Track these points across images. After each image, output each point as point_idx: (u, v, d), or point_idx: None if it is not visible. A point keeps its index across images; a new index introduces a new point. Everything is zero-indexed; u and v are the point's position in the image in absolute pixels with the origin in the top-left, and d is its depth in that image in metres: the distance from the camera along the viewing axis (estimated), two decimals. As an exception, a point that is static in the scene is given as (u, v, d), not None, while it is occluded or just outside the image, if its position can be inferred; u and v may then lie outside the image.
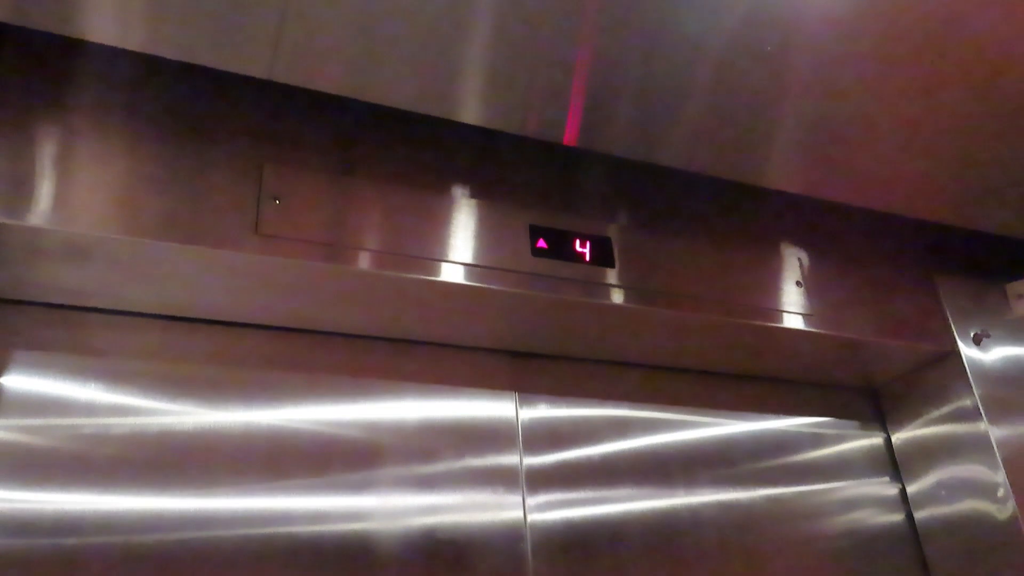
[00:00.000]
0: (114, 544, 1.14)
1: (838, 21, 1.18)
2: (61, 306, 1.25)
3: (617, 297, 1.41)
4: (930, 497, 1.71)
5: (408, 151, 1.36)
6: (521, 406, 1.50)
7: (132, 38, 1.15)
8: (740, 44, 1.21)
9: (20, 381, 1.19)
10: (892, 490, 1.77)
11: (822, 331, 1.57)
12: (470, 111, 1.32)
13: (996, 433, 1.60)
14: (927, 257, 1.79)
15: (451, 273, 1.29)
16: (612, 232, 1.46)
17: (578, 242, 1.41)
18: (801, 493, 1.68)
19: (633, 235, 1.48)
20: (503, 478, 1.42)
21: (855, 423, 1.83)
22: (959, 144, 1.49)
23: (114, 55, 1.18)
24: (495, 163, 1.43)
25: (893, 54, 1.26)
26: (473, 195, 1.38)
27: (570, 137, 1.35)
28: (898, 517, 1.74)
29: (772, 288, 1.56)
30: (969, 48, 1.26)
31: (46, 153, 1.11)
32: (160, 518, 1.18)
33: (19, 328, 1.22)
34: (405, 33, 1.15)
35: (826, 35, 1.21)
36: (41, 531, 1.11)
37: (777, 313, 1.54)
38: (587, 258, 1.40)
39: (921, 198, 1.64)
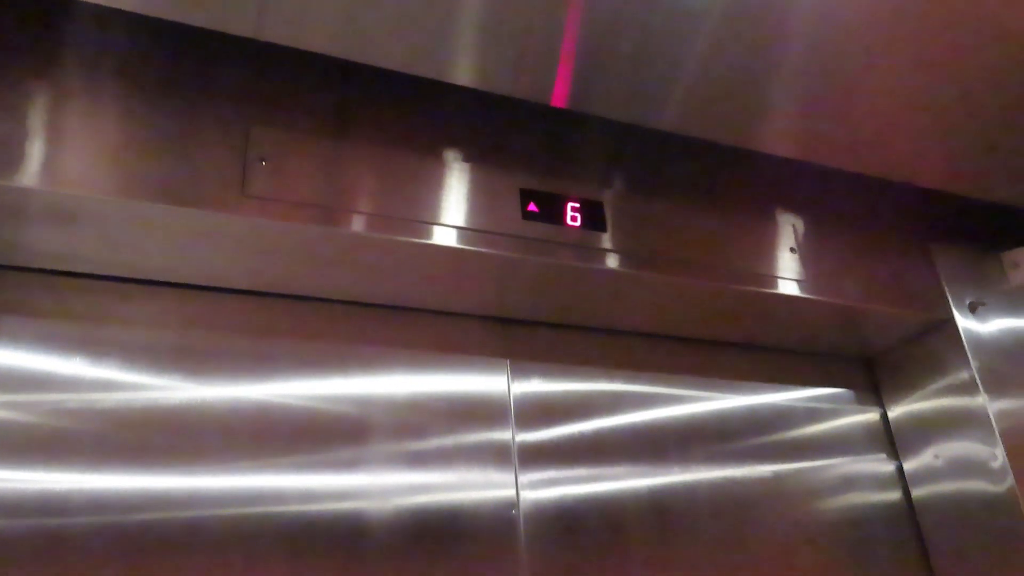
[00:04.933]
0: (98, 524, 1.12)
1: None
2: (45, 271, 1.24)
3: (609, 262, 1.40)
4: (927, 472, 1.70)
5: (398, 113, 1.35)
6: (513, 379, 1.49)
7: (119, -3, 1.14)
8: (736, 6, 1.20)
9: (2, 354, 1.17)
10: (889, 465, 1.76)
11: (816, 297, 1.56)
12: (460, 71, 1.30)
13: (994, 406, 1.59)
14: (922, 224, 1.79)
15: (440, 236, 1.28)
16: (604, 196, 1.44)
17: (570, 206, 1.40)
18: (797, 469, 1.67)
19: (625, 199, 1.47)
20: (495, 454, 1.40)
21: (851, 394, 1.83)
22: (956, 111, 1.47)
23: (103, 15, 1.17)
24: (487, 126, 1.42)
25: (891, 19, 1.24)
26: (464, 158, 1.37)
27: (560, 98, 1.33)
28: (895, 492, 1.74)
29: (766, 254, 1.55)
30: (970, 13, 1.25)
31: (33, 114, 1.10)
32: (146, 497, 1.16)
33: (3, 294, 1.20)
34: (394, -10, 1.14)
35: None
36: (24, 511, 1.09)
37: (771, 279, 1.53)
38: (579, 222, 1.39)
39: (917, 165, 1.63)
